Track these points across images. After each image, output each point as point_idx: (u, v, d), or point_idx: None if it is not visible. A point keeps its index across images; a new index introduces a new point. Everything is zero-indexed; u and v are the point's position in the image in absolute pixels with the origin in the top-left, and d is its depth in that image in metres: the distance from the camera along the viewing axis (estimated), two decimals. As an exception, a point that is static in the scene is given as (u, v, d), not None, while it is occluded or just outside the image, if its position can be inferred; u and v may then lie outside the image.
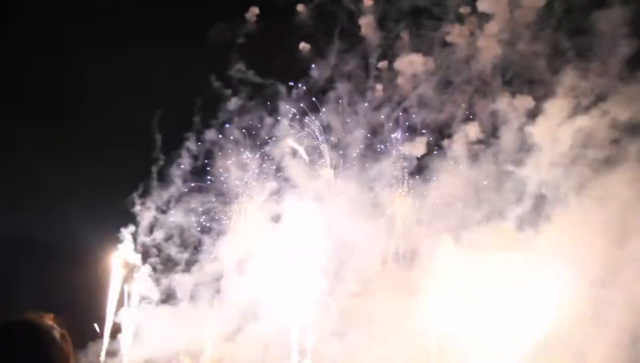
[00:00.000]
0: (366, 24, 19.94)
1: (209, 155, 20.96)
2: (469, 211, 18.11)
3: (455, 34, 19.01)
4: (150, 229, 20.65)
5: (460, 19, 19.04)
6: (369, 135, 20.43)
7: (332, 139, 20.65)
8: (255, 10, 20.47)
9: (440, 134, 19.57)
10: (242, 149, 20.87)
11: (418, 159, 19.90)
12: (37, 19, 19.61)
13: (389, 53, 19.91)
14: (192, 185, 21.00)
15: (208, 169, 21.11)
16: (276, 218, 19.93)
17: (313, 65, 20.39)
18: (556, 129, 16.92)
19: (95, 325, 19.70)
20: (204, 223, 20.94)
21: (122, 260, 20.33)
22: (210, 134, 20.73)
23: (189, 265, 20.44)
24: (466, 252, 16.75)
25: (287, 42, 20.03)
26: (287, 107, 20.57)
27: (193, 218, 20.87)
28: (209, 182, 21.15)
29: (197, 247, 20.66)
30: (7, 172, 19.43)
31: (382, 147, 20.51)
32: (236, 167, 20.91)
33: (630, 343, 15.46)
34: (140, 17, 19.43)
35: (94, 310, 19.67)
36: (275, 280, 18.98)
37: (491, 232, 17.05)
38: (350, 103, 20.34)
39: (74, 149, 20.63)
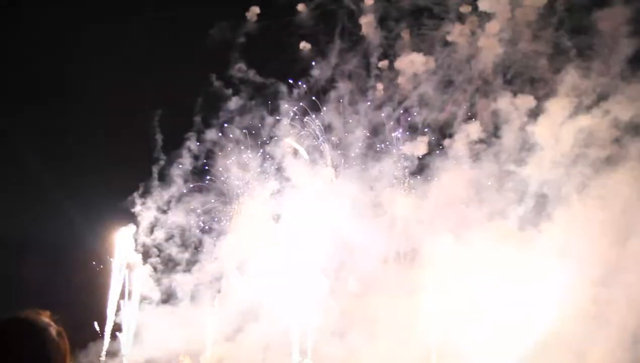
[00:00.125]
0: (367, 23, 19.90)
1: (209, 155, 20.99)
2: (470, 211, 18.07)
3: (456, 33, 18.96)
4: (151, 229, 20.66)
5: (461, 18, 19.00)
6: (369, 134, 20.42)
7: (332, 138, 20.65)
8: (255, 10, 20.45)
9: (442, 134, 19.54)
10: (242, 149, 20.88)
11: (419, 158, 19.84)
12: (36, 18, 19.61)
13: (389, 52, 19.89)
14: (193, 185, 21.02)
15: (208, 168, 21.13)
16: (277, 218, 19.94)
17: (314, 65, 20.40)
18: (558, 128, 16.85)
19: (96, 325, 19.70)
20: (204, 223, 20.95)
21: (122, 260, 20.33)
22: (210, 134, 20.74)
23: (190, 265, 20.46)
24: (467, 252, 16.71)
25: (287, 41, 20.02)
26: (288, 106, 20.59)
27: (193, 218, 20.88)
28: (209, 182, 21.16)
29: (197, 247, 20.69)
30: (7, 172, 19.43)
31: (383, 146, 20.49)
32: (237, 166, 20.91)
33: (632, 344, 15.40)
34: (141, 17, 19.42)
35: (94, 310, 19.66)
36: (276, 280, 18.97)
37: (492, 232, 17.00)
38: (351, 102, 20.34)
39: (74, 149, 20.65)
